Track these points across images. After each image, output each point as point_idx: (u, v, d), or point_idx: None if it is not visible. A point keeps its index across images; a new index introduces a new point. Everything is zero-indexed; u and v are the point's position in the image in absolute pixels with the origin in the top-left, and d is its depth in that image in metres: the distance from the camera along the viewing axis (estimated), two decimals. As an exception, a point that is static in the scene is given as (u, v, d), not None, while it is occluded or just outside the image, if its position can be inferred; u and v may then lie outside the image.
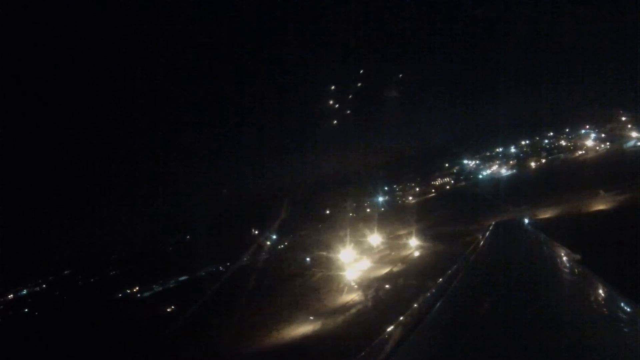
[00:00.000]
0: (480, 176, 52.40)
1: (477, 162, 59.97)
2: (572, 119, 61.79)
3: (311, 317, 20.38)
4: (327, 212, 57.82)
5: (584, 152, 48.12)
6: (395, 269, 26.11)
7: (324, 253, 31.98)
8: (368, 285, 23.98)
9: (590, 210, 29.48)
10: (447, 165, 61.62)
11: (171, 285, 38.79)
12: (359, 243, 32.41)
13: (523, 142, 62.19)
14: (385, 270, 26.25)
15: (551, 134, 61.11)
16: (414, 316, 8.97)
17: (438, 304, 9.21)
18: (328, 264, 29.39)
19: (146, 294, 38.36)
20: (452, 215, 36.35)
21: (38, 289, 56.32)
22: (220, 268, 39.22)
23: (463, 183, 51.83)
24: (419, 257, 28.09)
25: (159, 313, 29.23)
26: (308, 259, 32.85)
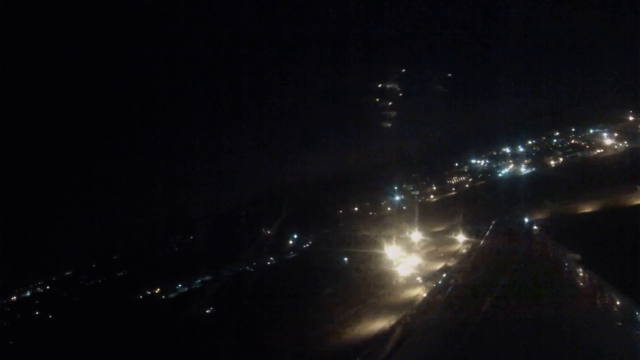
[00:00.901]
0: (500, 174, 52.38)
1: (487, 161, 59.92)
2: (576, 119, 62.41)
3: (385, 310, 19.58)
4: (340, 212, 57.28)
5: (602, 150, 48.64)
6: (449, 264, 25.51)
7: (365, 250, 31.19)
8: (428, 279, 23.29)
9: (634, 203, 29.52)
10: (456, 165, 61.54)
11: (197, 286, 37.39)
12: (398, 240, 31.69)
13: (529, 142, 62.49)
14: (439, 266, 25.65)
15: (557, 133, 61.56)
16: (414, 316, 8.70)
17: (438, 305, 8.94)
18: (375, 261, 28.59)
19: (171, 295, 36.87)
20: (485, 211, 35.96)
21: (41, 290, 54.51)
22: (247, 268, 38.07)
23: (482, 182, 51.69)
24: (468, 252, 27.56)
25: (202, 314, 27.91)
26: (346, 259, 31.90)
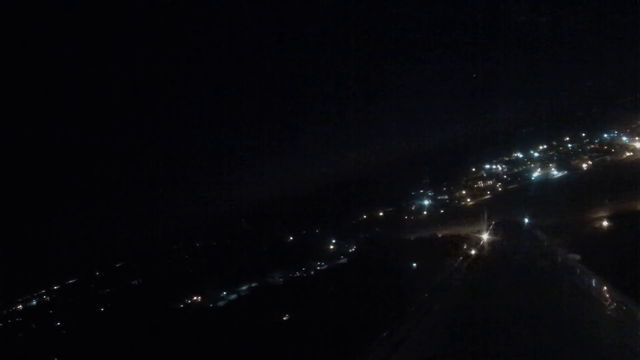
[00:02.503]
0: (532, 178, 52.29)
1: (503, 166, 60.01)
2: (584, 124, 63.09)
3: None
4: (364, 216, 56.33)
5: (631, 153, 49.35)
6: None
7: (432, 252, 30.28)
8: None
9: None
10: (473, 170, 61.59)
11: (246, 293, 35.59)
12: (464, 241, 30.86)
13: (541, 147, 62.83)
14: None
15: (567, 138, 62.09)
16: (414, 316, 8.46)
17: (438, 304, 8.72)
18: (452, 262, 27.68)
19: (220, 303, 34.91)
20: (538, 212, 35.57)
21: (48, 298, 52.02)
22: (297, 274, 36.54)
23: (515, 185, 51.53)
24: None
25: (278, 321, 26.28)
26: (414, 264, 30.75)
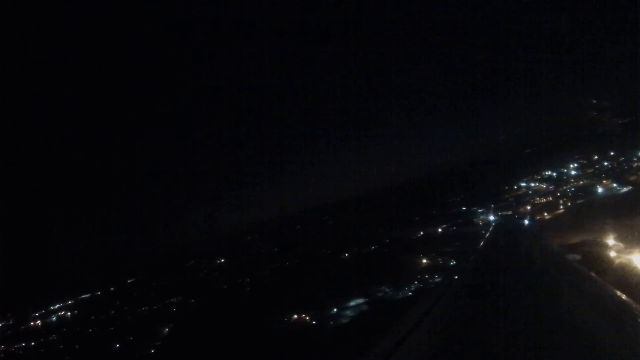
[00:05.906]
0: (598, 193, 52.84)
1: (544, 184, 60.94)
2: (610, 142, 64.93)
3: None
4: (422, 233, 55.56)
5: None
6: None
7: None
8: None
9: None
10: (515, 187, 62.50)
11: (365, 309, 33.39)
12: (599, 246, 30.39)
13: (572, 165, 64.18)
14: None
15: (596, 157, 63.61)
16: (414, 316, 8.68)
17: (438, 304, 9.03)
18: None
19: (343, 321, 32.39)
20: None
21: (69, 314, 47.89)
22: (412, 287, 34.72)
23: (581, 200, 51.87)
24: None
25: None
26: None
